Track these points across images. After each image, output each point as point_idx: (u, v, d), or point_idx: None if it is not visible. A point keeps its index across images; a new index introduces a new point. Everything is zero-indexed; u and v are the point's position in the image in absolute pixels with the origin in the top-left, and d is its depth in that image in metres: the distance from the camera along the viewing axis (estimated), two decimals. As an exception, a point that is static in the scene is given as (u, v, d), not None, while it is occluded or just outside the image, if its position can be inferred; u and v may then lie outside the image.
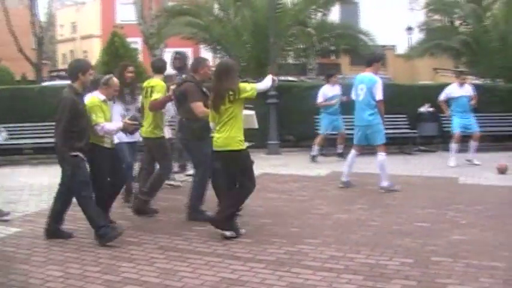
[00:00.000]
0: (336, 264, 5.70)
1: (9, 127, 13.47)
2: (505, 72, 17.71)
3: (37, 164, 13.36)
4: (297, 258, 5.89)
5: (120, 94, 7.94)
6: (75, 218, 7.43)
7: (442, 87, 14.04)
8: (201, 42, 19.45)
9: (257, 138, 13.97)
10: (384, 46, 32.12)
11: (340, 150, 13.58)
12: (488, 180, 10.48)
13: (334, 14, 23.07)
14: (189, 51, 26.37)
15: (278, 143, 14.39)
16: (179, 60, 11.01)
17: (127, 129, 7.15)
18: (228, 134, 6.59)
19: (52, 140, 7.53)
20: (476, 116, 12.96)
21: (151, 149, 8.29)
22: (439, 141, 15.43)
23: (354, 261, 5.77)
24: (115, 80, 7.28)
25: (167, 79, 8.59)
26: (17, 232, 7.07)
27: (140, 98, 8.48)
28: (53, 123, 6.72)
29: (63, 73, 35.88)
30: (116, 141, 7.58)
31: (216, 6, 18.61)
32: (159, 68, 8.60)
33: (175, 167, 11.21)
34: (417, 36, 23.67)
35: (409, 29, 35.13)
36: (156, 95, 7.97)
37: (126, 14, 35.94)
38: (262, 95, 13.56)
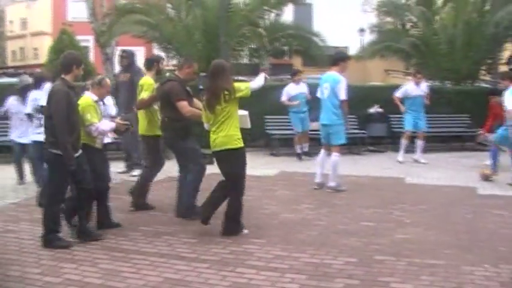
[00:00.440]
0: (280, 263, 5.72)
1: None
2: (452, 75, 18.06)
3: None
4: (242, 258, 5.89)
5: None
6: (18, 218, 7.29)
7: (391, 88, 14.28)
8: (152, 41, 19.27)
9: (207, 139, 13.98)
10: (336, 47, 32.34)
11: (304, 149, 13.66)
12: (434, 180, 10.66)
13: (288, 15, 23.16)
14: (141, 50, 26.31)
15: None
16: (126, 58, 10.94)
17: (119, 130, 7.17)
18: (226, 133, 6.60)
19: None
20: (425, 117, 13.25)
21: (147, 146, 8.35)
22: (387, 141, 15.65)
23: (298, 261, 5.79)
24: (107, 80, 7.27)
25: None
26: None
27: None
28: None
29: (11, 70, 35.16)
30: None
31: (167, 5, 18.44)
32: (147, 65, 8.60)
33: (123, 167, 11.11)
34: (369, 38, 23.93)
35: (361, 30, 35.46)
36: (144, 94, 8.02)
37: (77, 11, 35.41)
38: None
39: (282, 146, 14.19)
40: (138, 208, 8.03)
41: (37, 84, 9.15)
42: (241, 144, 6.73)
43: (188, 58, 8.08)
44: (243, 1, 18.15)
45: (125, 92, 10.66)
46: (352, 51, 34.30)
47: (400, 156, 13.02)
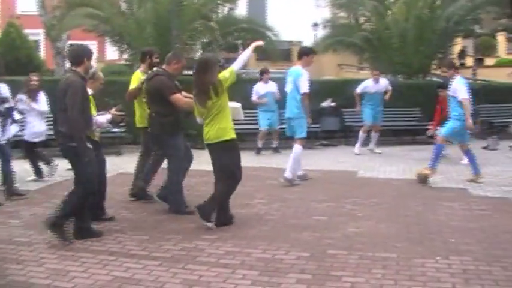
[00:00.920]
0: (232, 259, 5.64)
1: None
2: (404, 69, 18.31)
3: None
4: (193, 255, 5.78)
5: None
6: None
7: (344, 82, 14.36)
8: (103, 34, 18.95)
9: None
10: (290, 41, 32.46)
11: (274, 146, 13.89)
12: (386, 174, 10.76)
13: (242, 9, 23.10)
14: (94, 44, 25.85)
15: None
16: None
17: (115, 121, 7.23)
18: (219, 126, 6.63)
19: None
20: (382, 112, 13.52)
21: (143, 138, 8.31)
22: (340, 135, 15.74)
23: (250, 256, 5.72)
24: (100, 74, 7.25)
25: None
26: None
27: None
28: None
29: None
30: None
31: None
32: (140, 58, 8.57)
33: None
34: (322, 32, 24.04)
35: (315, 25, 35.61)
36: (131, 86, 8.09)
37: (27, 3, 34.52)
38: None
39: (240, 140, 14.07)
40: (139, 195, 8.15)
41: None
42: (234, 136, 6.80)
43: (176, 53, 7.96)
44: (195, -5, 18.01)
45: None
46: (306, 45, 34.43)
47: (357, 148, 13.40)
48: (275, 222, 7.12)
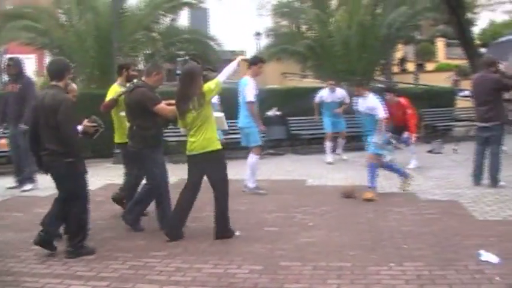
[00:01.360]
0: (182, 276, 5.46)
1: None
2: (347, 76, 18.41)
3: None
4: (142, 273, 5.57)
5: None
6: None
7: (288, 91, 14.31)
8: (42, 47, 18.43)
9: (103, 147, 13.41)
10: (233, 51, 32.38)
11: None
12: (335, 181, 10.72)
13: (184, 20, 22.92)
14: (32, 58, 25.16)
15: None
16: (13, 67, 10.24)
17: (87, 132, 6.91)
18: (204, 136, 6.56)
19: None
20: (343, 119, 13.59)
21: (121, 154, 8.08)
22: (287, 144, 15.69)
23: (201, 272, 5.55)
24: (74, 85, 7.11)
25: None
26: None
27: None
28: None
29: None
30: None
31: (57, 10, 17.72)
32: (117, 71, 8.29)
33: (13, 182, 10.43)
34: (265, 41, 24.10)
35: (258, 34, 35.72)
36: (108, 96, 7.88)
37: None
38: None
39: (182, 152, 13.82)
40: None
41: None
42: (220, 146, 6.72)
43: (156, 64, 7.78)
44: (136, 6, 17.75)
45: (13, 104, 9.98)
46: (249, 55, 34.47)
47: (329, 157, 13.33)
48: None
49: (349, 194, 9.13)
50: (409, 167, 11.45)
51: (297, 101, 15.06)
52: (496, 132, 9.47)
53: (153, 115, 6.94)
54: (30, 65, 19.95)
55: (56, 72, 6.21)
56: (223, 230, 6.78)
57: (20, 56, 11.27)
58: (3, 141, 11.52)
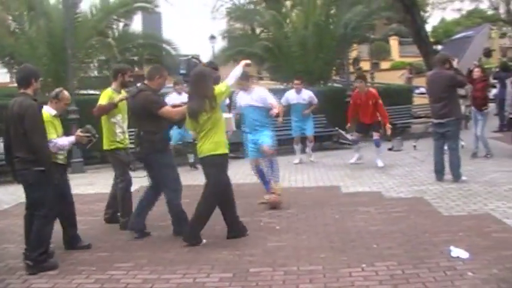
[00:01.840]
0: (150, 288, 5.26)
1: None
2: (305, 76, 18.38)
3: None
4: (108, 287, 5.35)
5: None
6: None
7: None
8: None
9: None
10: (187, 55, 32.14)
11: (190, 160, 13.24)
12: (298, 183, 10.65)
13: (137, 24, 22.60)
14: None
15: (82, 160, 13.54)
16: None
17: (80, 142, 6.83)
18: (213, 139, 6.52)
19: None
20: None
21: (114, 162, 7.82)
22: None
23: (170, 283, 5.37)
24: (66, 93, 6.80)
25: None
26: None
27: None
28: None
29: None
30: None
31: (8, 16, 17.22)
32: (111, 76, 7.99)
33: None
34: (220, 44, 23.97)
35: (212, 37, 35.59)
36: (101, 101, 7.55)
37: None
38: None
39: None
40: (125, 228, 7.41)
41: None
42: (227, 151, 6.70)
43: (157, 67, 7.54)
44: (90, 11, 17.39)
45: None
46: (204, 58, 34.30)
47: (296, 158, 13.20)
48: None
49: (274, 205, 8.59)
50: (379, 165, 11.53)
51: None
52: (452, 128, 9.53)
53: (159, 119, 6.81)
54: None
55: (22, 79, 6.06)
56: (236, 230, 6.86)
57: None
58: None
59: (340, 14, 18.08)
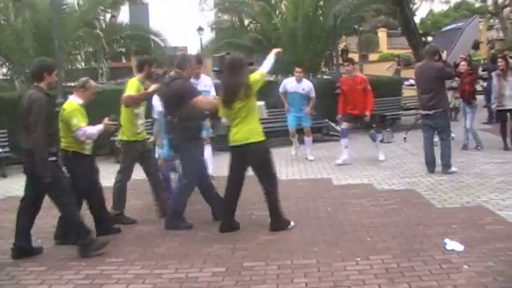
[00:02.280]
0: (142, 283, 5.20)
1: None
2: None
3: None
4: (99, 283, 5.26)
5: None
6: None
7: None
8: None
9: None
10: (175, 47, 31.95)
11: None
12: (289, 175, 10.55)
13: (124, 15, 22.41)
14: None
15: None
16: None
17: (108, 131, 6.85)
18: (248, 127, 6.51)
19: None
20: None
21: (123, 152, 7.81)
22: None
23: (162, 278, 5.29)
24: (92, 82, 6.91)
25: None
26: None
27: None
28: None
29: None
30: None
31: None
32: (137, 67, 7.95)
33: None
34: (209, 36, 23.82)
35: (200, 29, 35.42)
36: (129, 92, 7.43)
37: None
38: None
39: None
40: (120, 222, 7.34)
41: None
42: (263, 138, 6.66)
43: (186, 55, 7.79)
44: (77, 2, 17.17)
45: None
46: (192, 50, 34.18)
47: (293, 150, 12.60)
48: (183, 236, 6.67)
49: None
50: (381, 159, 11.31)
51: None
52: (441, 119, 9.52)
53: (192, 107, 6.86)
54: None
55: (34, 73, 6.09)
56: (277, 221, 6.75)
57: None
58: None
59: (330, 5, 17.95)
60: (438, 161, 9.65)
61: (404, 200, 7.88)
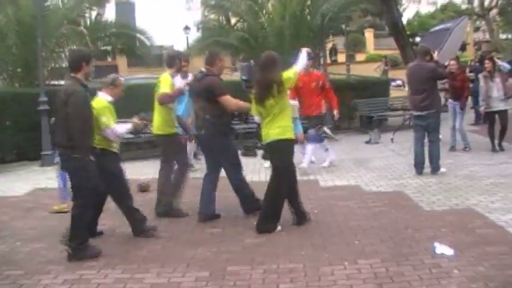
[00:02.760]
0: (123, 288, 4.99)
1: None
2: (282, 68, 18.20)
3: None
4: None
5: None
6: None
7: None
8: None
9: (29, 148, 12.67)
10: (161, 46, 31.74)
11: None
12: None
13: (110, 13, 22.21)
14: None
15: (52, 153, 13.08)
16: None
17: (137, 129, 6.79)
18: (280, 124, 6.50)
19: None
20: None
21: (163, 146, 7.87)
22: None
23: (143, 283, 5.11)
24: (122, 79, 6.83)
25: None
26: None
27: None
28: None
29: None
30: None
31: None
32: (168, 61, 7.97)
33: None
34: (195, 35, 23.65)
35: (186, 28, 35.20)
36: (163, 89, 7.46)
37: None
38: (33, 101, 12.33)
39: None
40: (171, 215, 7.45)
41: None
42: (293, 136, 6.71)
43: (216, 52, 7.81)
44: (61, -1, 16.95)
45: None
46: (179, 49, 33.94)
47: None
48: (166, 239, 6.48)
49: (144, 188, 9.12)
50: (324, 165, 10.74)
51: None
52: (433, 120, 9.43)
53: (221, 103, 6.97)
54: None
55: (73, 63, 6.00)
56: (300, 217, 6.80)
57: None
58: None
59: (317, 4, 17.85)
60: (426, 162, 9.54)
61: (393, 202, 7.74)
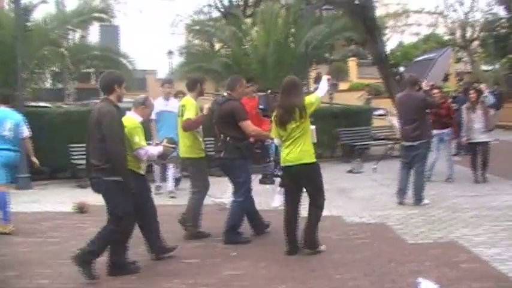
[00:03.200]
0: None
1: None
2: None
3: None
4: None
5: None
6: None
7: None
8: None
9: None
10: (145, 70, 31.63)
11: None
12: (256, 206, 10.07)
13: (94, 36, 22.08)
14: None
15: (29, 176, 12.75)
16: None
17: (166, 153, 6.81)
18: (301, 148, 6.56)
19: None
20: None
21: (189, 169, 8.01)
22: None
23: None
24: (151, 99, 6.82)
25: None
26: None
27: None
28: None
29: None
30: None
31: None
32: (189, 85, 7.99)
33: None
34: (178, 60, 23.58)
35: (170, 53, 35.13)
36: (188, 114, 7.44)
37: None
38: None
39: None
40: (193, 237, 7.57)
41: None
42: (315, 160, 6.71)
43: (237, 77, 7.92)
44: (43, 19, 16.75)
45: None
46: (162, 74, 33.86)
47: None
48: (141, 269, 6.23)
49: (82, 208, 9.32)
50: (274, 205, 9.32)
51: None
52: (422, 150, 9.38)
53: (241, 128, 7.19)
54: None
55: (105, 86, 6.08)
56: (310, 243, 6.72)
57: None
58: None
59: (302, 32, 17.85)
60: (409, 193, 9.41)
61: (375, 234, 7.57)
